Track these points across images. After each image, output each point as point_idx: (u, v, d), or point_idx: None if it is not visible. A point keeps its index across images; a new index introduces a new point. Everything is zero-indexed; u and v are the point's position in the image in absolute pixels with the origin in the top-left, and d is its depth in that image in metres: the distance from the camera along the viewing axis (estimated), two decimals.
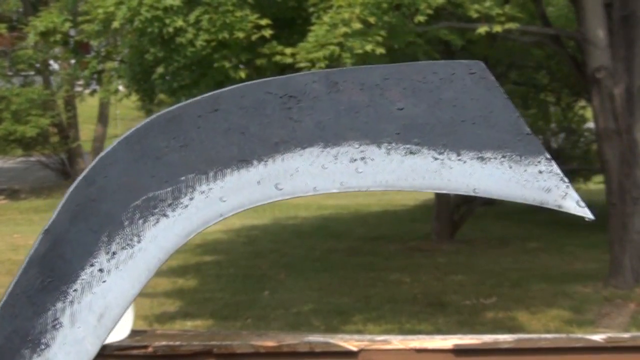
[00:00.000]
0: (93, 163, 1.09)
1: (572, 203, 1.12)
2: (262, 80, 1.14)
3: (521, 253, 11.78)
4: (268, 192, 1.10)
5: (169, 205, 1.08)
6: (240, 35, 7.90)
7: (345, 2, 7.60)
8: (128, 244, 1.06)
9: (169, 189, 1.08)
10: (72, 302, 1.05)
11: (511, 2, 9.95)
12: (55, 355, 1.04)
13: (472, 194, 1.11)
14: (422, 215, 14.63)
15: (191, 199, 1.08)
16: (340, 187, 1.10)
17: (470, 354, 3.76)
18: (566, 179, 1.12)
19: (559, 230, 12.95)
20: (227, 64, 8.17)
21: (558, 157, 14.94)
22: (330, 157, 1.10)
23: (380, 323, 8.40)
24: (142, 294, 9.59)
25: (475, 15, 8.30)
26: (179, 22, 7.86)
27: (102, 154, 1.09)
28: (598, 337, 3.83)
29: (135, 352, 3.86)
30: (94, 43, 10.40)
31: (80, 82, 13.22)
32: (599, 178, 12.76)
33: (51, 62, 21.18)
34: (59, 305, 1.04)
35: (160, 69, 8.65)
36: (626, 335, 4.50)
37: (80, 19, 9.47)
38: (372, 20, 7.59)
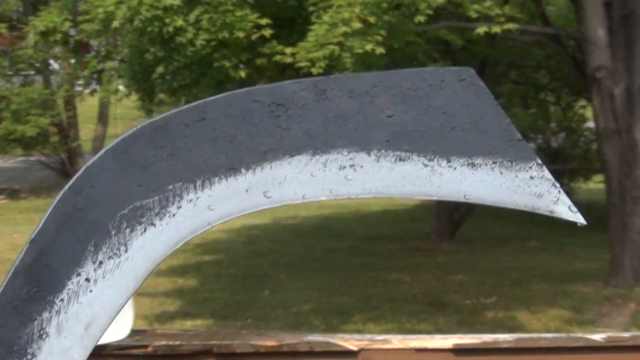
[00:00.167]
0: (79, 173, 1.08)
1: (564, 208, 1.12)
2: (250, 88, 1.13)
3: (521, 252, 11.78)
4: (256, 200, 1.09)
5: (157, 214, 1.07)
6: (240, 34, 7.90)
7: (345, 2, 7.60)
8: (115, 254, 1.06)
9: (156, 197, 1.08)
10: (58, 311, 1.04)
11: (511, 2, 9.95)
12: None
13: (463, 200, 1.11)
14: (422, 215, 14.63)
15: (179, 207, 1.08)
16: (330, 195, 1.10)
17: (470, 354, 3.76)
18: (558, 185, 1.12)
19: (559, 230, 12.95)
20: (227, 64, 8.17)
21: (558, 156, 14.95)
22: (319, 165, 1.10)
23: (380, 323, 8.40)
24: (142, 294, 9.60)
25: (474, 15, 8.30)
26: (179, 22, 7.86)
27: (88, 163, 1.09)
28: (598, 337, 3.83)
29: (135, 351, 3.86)
30: (94, 43, 10.40)
31: (80, 81, 13.22)
32: (599, 177, 12.76)
33: (51, 61, 21.18)
34: (46, 315, 1.04)
35: (160, 69, 8.65)
36: (626, 334, 4.50)
37: (80, 18, 9.47)
38: (372, 19, 7.59)
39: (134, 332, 4.00)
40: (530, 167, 1.11)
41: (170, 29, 7.88)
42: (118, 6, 8.01)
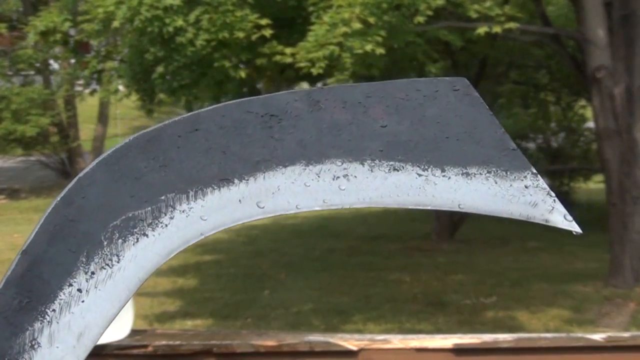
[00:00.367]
0: (71, 184, 1.09)
1: (559, 217, 1.13)
2: (243, 99, 1.13)
3: (521, 253, 11.78)
4: (250, 210, 1.09)
5: (149, 224, 1.08)
6: (241, 34, 7.90)
7: (345, 2, 7.60)
8: (107, 264, 1.06)
9: (148, 208, 1.08)
10: (50, 322, 1.04)
11: (511, 2, 9.95)
12: None
13: (457, 209, 1.11)
14: (422, 215, 14.63)
15: (171, 218, 1.08)
16: (323, 205, 1.10)
17: (470, 354, 3.76)
18: (553, 193, 1.12)
19: (559, 230, 12.87)
20: (227, 64, 8.18)
21: (558, 156, 14.95)
22: (312, 175, 1.10)
23: (380, 322, 8.40)
24: (142, 294, 9.59)
25: (475, 15, 8.30)
26: (179, 22, 7.86)
27: (80, 174, 1.09)
28: (598, 337, 3.84)
29: (135, 351, 3.86)
30: (94, 43, 10.41)
31: (80, 81, 13.22)
32: (599, 177, 12.76)
33: (51, 61, 21.17)
34: (37, 325, 1.04)
35: (160, 69, 8.65)
36: (626, 334, 4.50)
37: (80, 18, 9.47)
38: (372, 20, 7.59)
39: (134, 332, 4.00)
40: (525, 176, 1.11)
41: (170, 29, 7.88)
42: (118, 6, 8.01)
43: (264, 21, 8.03)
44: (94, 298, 1.05)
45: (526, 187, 1.11)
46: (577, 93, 14.39)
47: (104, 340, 3.82)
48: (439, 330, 7.62)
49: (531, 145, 15.14)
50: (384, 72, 8.52)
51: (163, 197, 1.08)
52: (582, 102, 14.99)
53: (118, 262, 1.06)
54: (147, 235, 1.07)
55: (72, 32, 10.04)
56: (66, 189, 1.08)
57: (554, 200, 1.12)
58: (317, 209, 1.10)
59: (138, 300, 8.75)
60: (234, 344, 3.84)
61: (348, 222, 14.74)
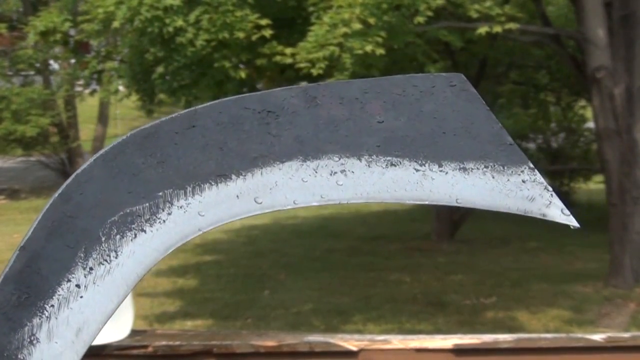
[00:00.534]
0: (68, 180, 1.09)
1: (557, 211, 1.13)
2: (240, 96, 1.14)
3: (521, 253, 11.78)
4: (247, 206, 1.10)
5: (147, 220, 1.08)
6: (241, 35, 7.90)
7: (345, 3, 7.60)
8: (105, 260, 1.06)
9: (146, 204, 1.08)
10: (49, 317, 1.04)
11: (511, 2, 9.95)
12: None
13: (455, 204, 1.11)
14: (422, 215, 14.63)
15: (169, 214, 1.08)
16: (321, 200, 1.10)
17: (470, 354, 3.77)
18: (550, 188, 1.12)
19: (559, 230, 12.92)
20: (227, 64, 8.18)
21: (558, 156, 14.95)
22: (310, 171, 1.10)
23: (380, 323, 8.40)
24: (142, 294, 9.59)
25: (475, 15, 8.30)
26: (179, 22, 7.86)
27: (77, 171, 1.09)
28: (598, 337, 3.84)
29: (135, 351, 3.86)
30: (94, 43, 10.41)
31: (80, 82, 13.22)
32: (599, 178, 12.76)
33: (51, 62, 21.18)
34: (36, 320, 1.04)
35: (160, 69, 8.66)
36: (626, 335, 4.50)
37: (80, 18, 9.48)
38: (371, 20, 7.59)
39: (134, 333, 4.00)
40: (522, 171, 1.12)
41: (170, 29, 7.89)
42: (118, 6, 8.01)
43: (264, 21, 8.03)
44: (93, 294, 1.05)
45: (523, 181, 1.12)
46: (577, 93, 14.39)
47: (104, 340, 3.83)
48: (439, 331, 7.62)
49: (531, 146, 15.14)
50: (384, 72, 8.51)
51: (161, 193, 1.09)
52: (582, 103, 14.99)
53: (116, 257, 1.06)
54: (145, 231, 1.08)
55: (72, 32, 10.04)
56: (64, 186, 1.08)
57: (552, 194, 1.12)
58: (315, 204, 1.10)
59: (138, 300, 8.75)
60: (234, 345, 3.84)
61: (348, 223, 14.74)
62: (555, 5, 12.58)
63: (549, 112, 15.36)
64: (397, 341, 3.83)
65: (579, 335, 4.19)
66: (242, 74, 8.35)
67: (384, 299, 9.33)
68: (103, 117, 22.38)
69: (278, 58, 8.13)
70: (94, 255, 1.06)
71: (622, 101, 9.16)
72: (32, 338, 1.04)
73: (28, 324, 1.04)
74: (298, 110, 1.12)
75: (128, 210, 1.08)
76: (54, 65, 21.86)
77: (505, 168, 1.12)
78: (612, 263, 9.48)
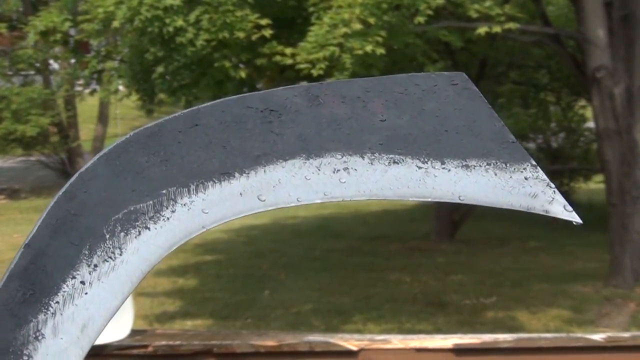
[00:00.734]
0: (72, 179, 1.10)
1: (559, 208, 1.13)
2: (242, 95, 1.15)
3: (521, 253, 11.78)
4: (251, 203, 1.10)
5: (151, 217, 1.09)
6: (241, 35, 7.90)
7: (345, 3, 7.60)
8: (110, 257, 1.07)
9: (150, 202, 1.09)
10: (54, 313, 1.05)
11: (511, 2, 9.95)
12: None
13: (458, 201, 1.12)
14: (422, 215, 14.63)
15: (173, 211, 1.09)
16: (324, 197, 1.11)
17: (470, 354, 3.77)
18: (552, 185, 1.13)
19: (559, 230, 12.95)
20: (227, 64, 8.18)
21: (558, 156, 14.95)
22: (312, 169, 1.11)
23: (380, 323, 8.40)
24: (142, 294, 9.59)
25: (475, 15, 8.30)
26: (179, 22, 7.86)
27: (81, 169, 1.10)
28: (598, 337, 3.84)
29: (135, 351, 3.86)
30: (94, 42, 10.41)
31: (80, 81, 13.22)
32: (599, 178, 12.76)
33: (51, 61, 21.18)
34: (41, 317, 1.05)
35: (160, 69, 8.65)
36: (626, 334, 4.50)
37: (80, 18, 9.47)
38: (371, 20, 7.59)
39: (134, 332, 4.00)
40: (525, 168, 1.13)
41: (171, 29, 7.89)
42: (118, 6, 8.01)
43: (264, 21, 8.04)
44: (97, 290, 1.06)
45: (526, 178, 1.12)
46: (577, 93, 14.39)
47: (104, 340, 3.83)
48: (439, 331, 7.62)
49: (531, 146, 15.14)
50: (384, 72, 8.51)
51: (164, 191, 1.09)
52: (582, 102, 14.98)
53: (121, 254, 1.07)
54: (149, 229, 1.08)
55: (72, 32, 10.04)
56: (68, 184, 1.09)
57: (554, 191, 1.13)
58: (318, 201, 1.11)
59: (138, 300, 8.75)
60: (234, 344, 3.84)
61: (348, 223, 14.74)
62: (555, 5, 12.58)
63: (549, 112, 15.36)
64: (397, 341, 3.83)
65: (579, 335, 4.19)
66: (242, 74, 8.35)
67: (384, 299, 9.33)
68: (103, 117, 22.38)
69: (278, 58, 8.13)
70: (99, 253, 1.07)
71: (622, 101, 9.16)
72: (38, 334, 1.05)
73: (33, 320, 1.05)
74: (300, 109, 1.13)
75: (132, 208, 1.09)
76: (54, 65, 21.86)
77: (508, 165, 1.12)
78: (612, 263, 9.48)
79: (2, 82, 20.30)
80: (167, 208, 1.09)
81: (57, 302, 1.05)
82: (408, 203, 16.72)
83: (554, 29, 10.59)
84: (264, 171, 1.11)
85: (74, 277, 1.06)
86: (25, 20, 14.16)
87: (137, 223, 1.08)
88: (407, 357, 3.77)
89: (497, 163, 1.12)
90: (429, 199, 1.11)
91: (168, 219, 1.09)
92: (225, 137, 1.12)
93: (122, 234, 1.08)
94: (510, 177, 1.12)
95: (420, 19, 7.90)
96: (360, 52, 7.51)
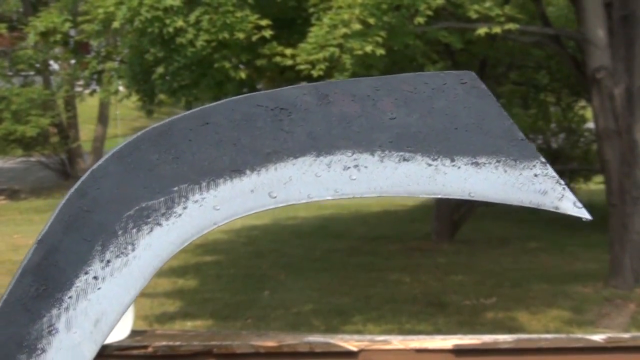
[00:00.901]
0: (84, 176, 1.11)
1: (569, 204, 1.14)
2: (252, 94, 1.16)
3: (521, 253, 11.79)
4: (262, 200, 1.12)
5: (163, 214, 1.10)
6: (241, 35, 7.90)
7: (344, 3, 7.60)
8: (122, 253, 1.08)
9: (161, 199, 1.10)
10: (67, 308, 1.06)
11: (511, 3, 9.95)
12: None
13: (468, 197, 1.13)
14: (422, 215, 14.63)
15: (185, 208, 1.10)
16: (335, 194, 1.12)
17: (470, 354, 3.77)
18: (562, 182, 1.14)
19: (559, 230, 12.95)
20: (227, 64, 8.18)
21: (558, 157, 14.95)
22: (323, 166, 1.12)
23: (380, 323, 8.40)
24: (142, 294, 9.58)
25: (475, 16, 8.30)
26: (179, 23, 7.86)
27: (93, 167, 1.11)
28: (598, 337, 3.84)
29: (135, 352, 3.87)
30: (94, 43, 10.41)
31: (80, 82, 13.23)
32: (599, 178, 12.76)
33: (51, 62, 21.19)
34: (55, 311, 1.06)
35: (160, 69, 8.65)
36: (626, 335, 4.50)
37: (80, 19, 9.48)
38: (371, 21, 7.59)
39: (134, 333, 4.00)
40: (534, 165, 1.14)
41: (171, 29, 7.89)
42: (118, 7, 8.02)
43: (264, 22, 8.04)
44: (110, 285, 1.08)
45: (535, 175, 1.14)
46: (577, 93, 14.39)
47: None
48: (439, 331, 7.62)
49: None
50: (384, 72, 8.52)
51: (176, 188, 1.11)
52: (582, 103, 14.99)
53: (133, 250, 1.09)
54: (160, 225, 1.10)
55: (72, 32, 10.05)
56: (80, 181, 1.11)
57: (564, 188, 1.14)
58: (329, 198, 1.12)
59: (138, 301, 8.75)
60: (234, 345, 3.85)
61: (348, 223, 14.74)
62: (555, 5, 12.58)
63: (549, 112, 15.37)
64: (397, 341, 3.83)
65: (579, 335, 4.19)
66: (242, 75, 8.35)
67: (384, 299, 9.33)
68: (103, 118, 22.38)
69: (278, 59, 8.13)
70: (111, 248, 1.08)
71: (622, 101, 9.16)
72: (51, 328, 1.06)
73: (47, 314, 1.06)
74: (310, 107, 1.14)
75: (144, 205, 1.10)
76: (54, 65, 21.87)
77: (517, 162, 1.14)
78: (612, 263, 9.48)
79: (2, 82, 20.31)
80: (178, 205, 1.10)
81: (70, 297, 1.07)
82: (408, 203, 16.72)
83: (554, 29, 10.59)
84: (275, 168, 1.12)
85: (86, 273, 1.07)
86: (26, 21, 14.17)
87: (149, 219, 1.10)
88: (407, 357, 3.78)
89: (506, 160, 1.14)
90: (440, 196, 1.13)
91: (180, 215, 1.10)
92: (235, 135, 1.13)
93: (134, 230, 1.09)
94: (520, 174, 1.13)
95: (420, 20, 7.90)
96: (360, 52, 7.51)
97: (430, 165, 1.13)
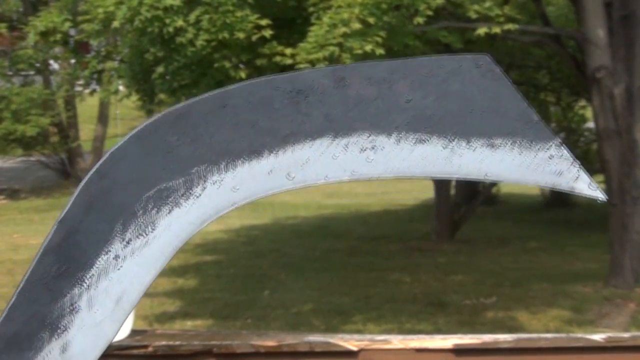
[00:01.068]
0: (104, 158, 1.13)
1: (584, 185, 1.16)
2: (270, 77, 1.18)
3: (521, 253, 11.79)
4: (279, 181, 1.13)
5: (182, 195, 1.12)
6: (241, 35, 7.90)
7: (344, 2, 7.60)
8: (142, 233, 1.10)
9: (181, 180, 1.12)
10: (88, 287, 1.08)
11: (511, 3, 9.95)
12: (74, 337, 1.08)
13: (484, 179, 1.15)
14: (422, 215, 14.63)
15: (204, 188, 1.12)
16: (352, 176, 1.14)
17: (470, 354, 3.77)
18: (577, 163, 1.15)
19: (559, 230, 12.95)
20: (227, 64, 8.18)
21: None
22: (340, 148, 1.14)
23: (380, 323, 8.40)
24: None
25: (474, 16, 8.30)
26: (179, 22, 7.86)
27: (112, 149, 1.13)
28: (598, 337, 3.84)
29: (135, 351, 3.86)
30: (94, 43, 10.40)
31: (80, 82, 13.22)
32: (599, 178, 12.75)
33: (51, 61, 21.18)
34: (76, 290, 1.08)
35: (160, 69, 8.65)
36: (626, 335, 4.50)
37: (80, 18, 9.47)
38: (371, 20, 7.59)
39: (134, 333, 4.00)
40: (550, 147, 1.16)
41: (171, 29, 7.89)
42: (118, 6, 8.01)
43: (264, 21, 8.03)
44: (131, 265, 1.10)
45: (551, 157, 1.15)
46: (577, 93, 14.39)
47: None
48: (439, 331, 7.62)
49: None
50: None
51: (195, 169, 1.13)
52: (582, 103, 14.99)
53: (153, 230, 1.10)
54: (180, 206, 1.12)
55: (72, 32, 10.04)
56: (99, 163, 1.12)
57: (579, 169, 1.15)
58: (346, 179, 1.13)
59: None
60: (234, 345, 3.84)
61: (348, 223, 14.74)
62: (555, 5, 12.58)
63: (549, 112, 15.36)
64: (397, 341, 3.83)
65: (579, 335, 4.19)
66: (242, 74, 8.35)
67: (384, 299, 9.33)
68: (103, 117, 22.38)
69: (278, 58, 8.13)
70: (131, 229, 1.10)
71: (622, 101, 9.16)
72: (73, 307, 1.08)
73: (68, 293, 1.08)
74: (327, 90, 1.16)
75: (163, 186, 1.12)
76: (54, 65, 21.86)
77: (533, 144, 1.15)
78: (612, 263, 9.48)
79: (2, 82, 20.31)
80: (197, 186, 1.12)
81: (92, 276, 1.09)
82: (408, 203, 16.72)
83: (554, 29, 10.59)
84: (292, 150, 1.14)
85: (107, 252, 1.09)
86: (26, 21, 14.17)
87: (169, 200, 1.11)
88: (407, 357, 3.77)
89: (522, 142, 1.15)
90: (456, 177, 1.15)
91: (199, 196, 1.12)
92: (253, 117, 1.14)
93: (154, 210, 1.11)
94: (536, 155, 1.15)
95: (420, 19, 7.90)
96: (359, 52, 7.51)
97: (446, 147, 1.14)
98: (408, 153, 1.14)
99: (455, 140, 1.14)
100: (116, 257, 1.09)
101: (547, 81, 14.60)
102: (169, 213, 1.11)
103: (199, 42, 7.89)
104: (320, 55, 7.51)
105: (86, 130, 23.24)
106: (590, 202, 14.49)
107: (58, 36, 9.44)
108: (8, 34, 20.30)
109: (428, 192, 14.55)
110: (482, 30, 8.37)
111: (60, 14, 9.42)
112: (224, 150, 1.13)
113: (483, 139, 1.15)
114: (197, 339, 3.97)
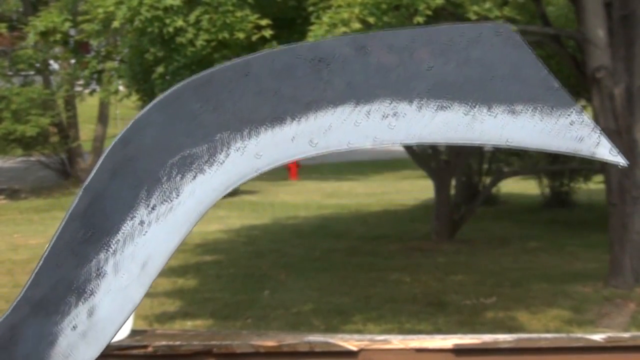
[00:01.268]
0: (128, 126, 1.14)
1: (605, 151, 1.16)
2: (292, 45, 1.20)
3: (521, 253, 11.78)
4: (302, 147, 1.15)
5: (206, 161, 1.13)
6: (241, 35, 7.90)
7: (344, 2, 7.60)
8: (167, 199, 1.12)
9: (204, 146, 1.13)
10: (114, 252, 1.10)
11: (511, 3, 9.95)
12: (101, 301, 1.09)
13: (505, 145, 1.16)
14: (422, 215, 14.63)
15: (227, 155, 1.14)
16: (374, 142, 1.15)
17: (470, 354, 3.77)
18: (598, 129, 1.16)
19: (559, 230, 12.95)
20: None
21: (558, 156, 14.95)
22: (362, 115, 1.15)
23: (380, 323, 8.40)
24: None
25: (474, 17, 8.30)
26: (179, 22, 7.86)
27: (136, 116, 1.15)
28: (598, 337, 3.84)
29: (135, 351, 3.87)
30: (93, 43, 10.40)
31: (80, 82, 13.22)
32: (599, 178, 12.76)
33: (51, 61, 21.17)
34: (102, 255, 1.10)
35: (160, 69, 8.65)
36: (626, 335, 4.51)
37: (80, 18, 9.47)
38: (371, 20, 7.59)
39: (134, 333, 4.00)
40: (570, 113, 1.16)
41: (171, 29, 7.89)
42: (118, 6, 8.01)
43: (264, 21, 8.04)
44: (156, 230, 1.11)
45: (572, 123, 1.16)
46: (577, 93, 14.37)
47: None
48: (439, 331, 7.62)
49: None
50: None
51: (218, 136, 1.14)
52: (582, 102, 14.98)
53: (177, 197, 1.12)
54: (204, 172, 1.13)
55: (72, 32, 10.04)
56: (124, 131, 1.14)
57: (599, 135, 1.16)
58: (369, 146, 1.15)
59: None
60: (234, 345, 3.85)
61: (348, 223, 14.74)
62: (555, 5, 12.58)
63: None
64: (397, 341, 3.83)
65: (579, 335, 4.19)
66: None
67: (384, 299, 9.33)
68: (103, 117, 22.38)
69: None
70: (156, 195, 1.11)
71: (622, 101, 9.16)
72: (100, 271, 1.09)
73: (95, 258, 1.10)
74: (348, 58, 1.17)
75: (187, 153, 1.13)
76: (54, 65, 21.86)
77: (554, 110, 1.16)
78: (612, 263, 9.48)
79: (2, 82, 20.30)
80: (221, 152, 1.14)
81: (118, 242, 1.10)
82: (408, 203, 16.72)
83: (554, 29, 10.59)
84: (315, 117, 1.15)
85: (133, 218, 1.11)
86: (25, 21, 14.17)
87: (193, 166, 1.13)
88: (407, 357, 3.78)
89: (543, 108, 1.16)
90: (477, 143, 1.15)
91: (222, 162, 1.13)
92: (275, 85, 1.15)
93: (179, 177, 1.12)
94: (557, 121, 1.15)
95: (420, 19, 7.90)
96: None
97: (467, 114, 1.15)
98: (429, 120, 1.15)
99: (477, 106, 1.15)
100: (141, 222, 1.11)
101: None
102: (193, 179, 1.12)
103: (199, 42, 7.89)
104: None
105: (86, 130, 23.23)
106: (591, 202, 14.49)
107: (58, 36, 9.44)
108: (8, 34, 20.30)
109: (428, 192, 14.56)
110: None
111: (60, 14, 9.42)
112: (247, 117, 1.14)
113: (504, 105, 1.15)
114: (197, 339, 3.97)
